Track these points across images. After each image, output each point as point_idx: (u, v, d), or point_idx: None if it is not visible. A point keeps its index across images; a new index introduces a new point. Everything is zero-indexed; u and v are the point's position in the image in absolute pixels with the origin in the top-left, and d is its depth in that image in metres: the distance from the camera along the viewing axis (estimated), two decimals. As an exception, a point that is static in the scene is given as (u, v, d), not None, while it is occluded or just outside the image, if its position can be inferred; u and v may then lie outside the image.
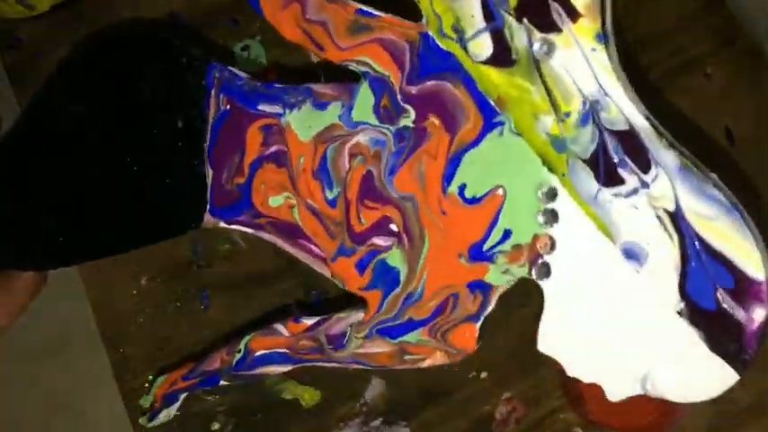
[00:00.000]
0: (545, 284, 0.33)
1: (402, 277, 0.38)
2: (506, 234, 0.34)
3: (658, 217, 0.29)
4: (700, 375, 0.30)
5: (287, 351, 0.45)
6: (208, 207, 0.45)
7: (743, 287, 0.28)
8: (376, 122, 0.37)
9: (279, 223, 0.43)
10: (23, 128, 0.45)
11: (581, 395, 0.47)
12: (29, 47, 0.59)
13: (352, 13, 0.36)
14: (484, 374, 0.51)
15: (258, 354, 0.45)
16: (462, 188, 0.35)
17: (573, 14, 0.30)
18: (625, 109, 0.30)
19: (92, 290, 0.51)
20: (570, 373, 0.33)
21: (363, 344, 0.42)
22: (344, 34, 0.37)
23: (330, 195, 0.40)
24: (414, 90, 0.35)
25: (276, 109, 0.41)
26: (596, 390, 0.46)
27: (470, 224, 0.35)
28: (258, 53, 0.59)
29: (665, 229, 0.28)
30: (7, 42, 0.59)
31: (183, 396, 0.48)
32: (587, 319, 0.31)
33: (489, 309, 0.36)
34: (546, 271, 0.32)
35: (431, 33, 0.34)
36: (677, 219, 0.28)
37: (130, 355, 0.50)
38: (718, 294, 0.28)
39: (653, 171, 0.30)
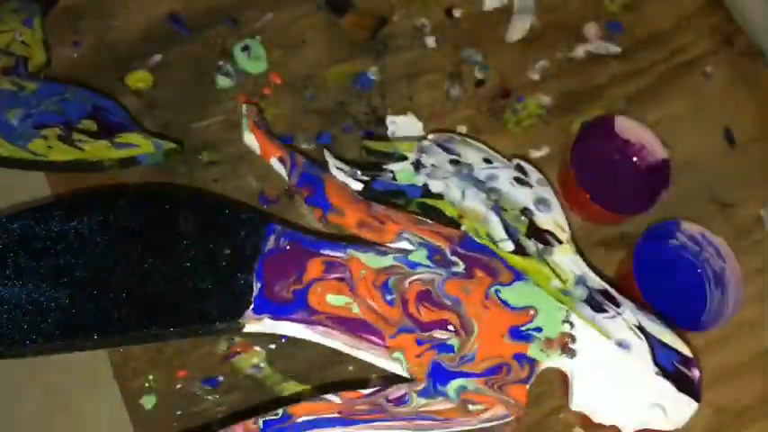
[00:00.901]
0: (573, 363, 0.48)
1: (456, 349, 0.47)
2: (538, 329, 0.48)
3: (630, 328, 0.49)
4: (676, 409, 0.47)
5: (337, 415, 0.45)
6: (251, 307, 0.47)
7: (685, 359, 0.49)
8: (431, 265, 0.50)
9: (337, 318, 0.47)
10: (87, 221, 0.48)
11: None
12: (28, 47, 0.59)
13: (411, 218, 0.52)
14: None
15: (301, 420, 0.44)
16: (504, 301, 0.49)
17: (559, 242, 0.52)
18: (595, 280, 0.51)
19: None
20: (595, 420, 0.47)
21: (427, 402, 0.45)
22: (403, 220, 0.51)
23: (389, 298, 0.48)
24: (461, 252, 0.50)
25: (340, 253, 0.49)
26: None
27: (510, 316, 0.49)
28: (258, 53, 0.59)
29: (635, 333, 0.49)
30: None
31: None
32: (604, 383, 0.48)
33: (534, 377, 0.47)
34: (573, 353, 0.48)
35: (471, 234, 0.51)
36: (642, 329, 0.49)
37: (131, 356, 0.50)
38: (674, 362, 0.48)
39: (622, 307, 0.50)
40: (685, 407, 0.47)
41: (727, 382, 0.52)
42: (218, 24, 0.60)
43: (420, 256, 0.50)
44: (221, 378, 0.50)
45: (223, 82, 0.58)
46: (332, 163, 0.53)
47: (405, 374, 0.47)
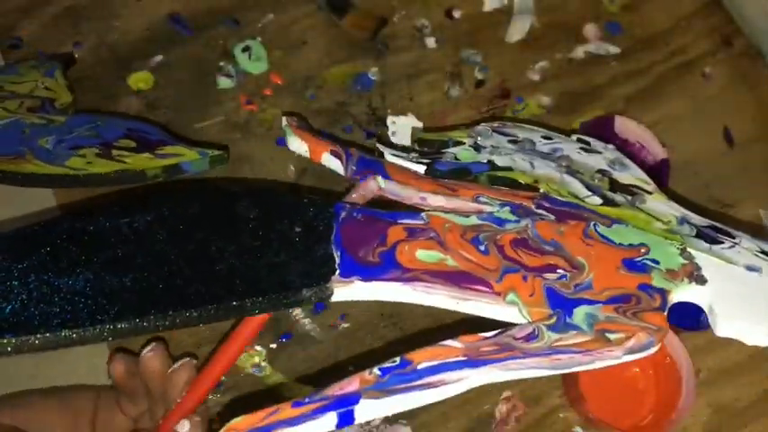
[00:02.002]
0: (706, 290, 0.42)
1: (568, 278, 0.43)
2: (655, 261, 0.43)
3: (755, 254, 0.44)
4: None
5: (463, 358, 0.39)
6: (337, 272, 0.42)
7: None
8: (514, 217, 0.45)
9: (434, 272, 0.42)
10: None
11: (581, 394, 0.47)
12: (29, 47, 0.59)
13: (484, 186, 0.48)
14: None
15: (423, 365, 0.39)
16: (606, 237, 0.44)
17: (649, 192, 0.48)
18: (700, 218, 0.46)
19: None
20: (749, 342, 0.42)
21: (560, 336, 0.40)
22: (477, 187, 0.47)
23: (482, 248, 0.43)
24: (547, 206, 0.45)
25: (419, 220, 0.45)
26: (596, 389, 0.47)
27: (619, 251, 0.44)
28: (259, 54, 0.59)
29: (763, 258, 0.44)
30: (8, 42, 0.59)
31: None
32: (745, 305, 0.42)
33: (668, 307, 0.42)
34: (703, 280, 0.43)
35: (552, 194, 0.46)
36: (766, 253, 0.44)
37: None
38: None
39: (737, 237, 0.45)
40: None
41: (726, 381, 0.52)
42: (219, 25, 0.60)
43: (505, 212, 0.45)
44: (222, 377, 0.50)
45: (224, 82, 0.58)
46: (387, 151, 0.50)
47: (523, 320, 0.41)
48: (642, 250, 0.43)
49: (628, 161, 0.50)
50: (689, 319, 0.52)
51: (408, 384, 0.38)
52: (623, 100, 0.60)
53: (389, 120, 0.57)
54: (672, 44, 0.63)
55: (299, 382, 0.50)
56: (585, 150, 0.51)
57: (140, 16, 0.60)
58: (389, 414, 0.39)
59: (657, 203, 0.47)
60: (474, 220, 0.44)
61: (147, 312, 0.39)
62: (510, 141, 0.51)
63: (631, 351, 0.39)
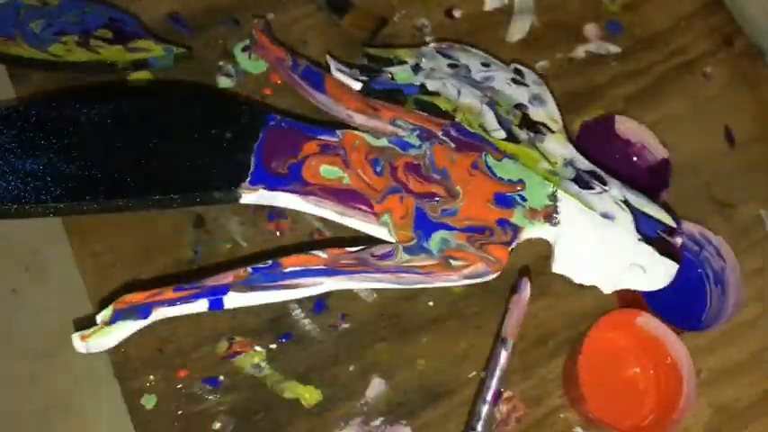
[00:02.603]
0: (556, 230, 0.49)
1: (439, 202, 0.49)
2: (523, 198, 0.49)
3: (616, 202, 0.50)
4: (656, 269, 0.48)
5: (323, 267, 0.46)
6: (248, 179, 0.49)
7: (668, 228, 0.50)
8: (419, 142, 0.51)
9: (328, 188, 0.49)
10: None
11: (581, 395, 0.47)
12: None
13: (406, 109, 0.54)
14: (484, 374, 0.51)
15: (289, 269, 0.46)
16: (491, 169, 0.50)
17: (551, 131, 0.54)
18: (584, 163, 0.52)
19: (93, 290, 0.51)
20: (577, 280, 0.48)
21: (411, 258, 0.47)
22: (397, 109, 0.53)
23: (378, 168, 0.50)
24: (453, 134, 0.52)
25: (335, 138, 0.51)
26: (596, 389, 0.46)
27: (495, 185, 0.50)
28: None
29: (620, 207, 0.50)
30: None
31: (155, 313, 0.44)
32: (586, 248, 0.49)
33: (516, 242, 0.48)
34: (556, 221, 0.49)
35: (464, 124, 0.52)
36: (627, 203, 0.50)
37: (131, 355, 0.50)
38: (657, 231, 0.49)
39: (609, 185, 0.51)
40: (666, 268, 0.48)
41: (726, 381, 0.52)
42: (219, 25, 0.60)
43: (413, 138, 0.51)
44: (222, 378, 0.50)
45: (224, 82, 0.58)
46: (333, 65, 0.55)
47: (392, 239, 0.48)
48: (518, 187, 0.50)
49: (548, 97, 0.56)
50: (689, 319, 0.52)
51: (272, 283, 0.45)
52: (623, 100, 0.60)
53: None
54: (672, 44, 0.63)
55: (299, 381, 0.50)
56: (515, 82, 0.56)
57: (140, 16, 0.59)
58: (254, 304, 0.45)
59: (555, 144, 0.53)
60: (383, 142, 0.51)
61: (82, 197, 0.47)
62: (450, 65, 0.56)
63: (467, 277, 0.47)
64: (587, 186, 0.50)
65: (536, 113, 0.55)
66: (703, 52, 0.63)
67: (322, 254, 0.46)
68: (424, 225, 0.48)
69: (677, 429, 0.49)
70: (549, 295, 0.53)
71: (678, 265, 0.48)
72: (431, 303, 0.52)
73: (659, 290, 0.50)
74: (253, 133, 0.51)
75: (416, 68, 0.56)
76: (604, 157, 0.57)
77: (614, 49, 0.62)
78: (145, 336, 0.50)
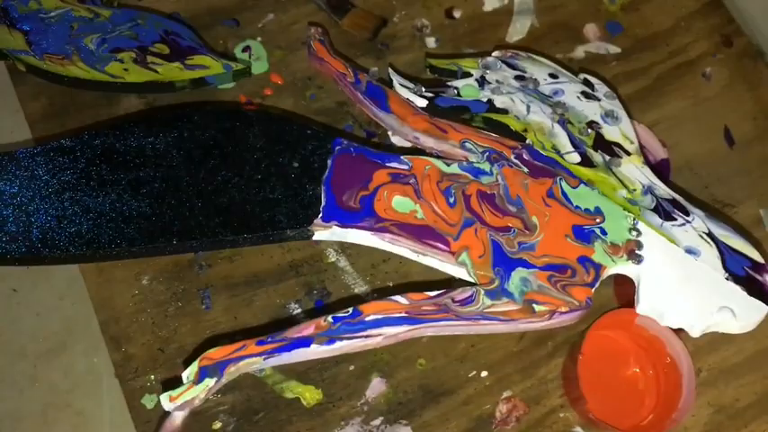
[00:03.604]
0: (639, 268, 0.47)
1: (515, 234, 0.48)
2: (603, 232, 0.48)
3: (700, 235, 0.48)
4: (746, 311, 0.46)
5: (404, 314, 0.45)
6: (320, 216, 0.48)
7: (756, 265, 0.48)
8: (490, 167, 0.50)
9: (403, 225, 0.48)
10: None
11: (581, 395, 0.47)
12: (30, 47, 0.59)
13: (475, 130, 0.52)
14: (484, 374, 0.51)
15: (370, 318, 0.45)
16: (567, 197, 0.49)
17: (627, 153, 0.51)
18: (665, 190, 0.50)
19: (94, 290, 0.52)
20: (663, 323, 0.47)
21: (493, 303, 0.46)
22: (466, 130, 0.52)
23: (451, 200, 0.48)
24: (525, 159, 0.50)
25: (405, 166, 0.50)
26: (596, 389, 0.46)
27: (573, 216, 0.48)
28: (259, 54, 0.59)
29: (705, 240, 0.48)
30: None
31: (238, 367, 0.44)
32: (672, 287, 0.47)
33: (599, 281, 0.47)
34: (639, 259, 0.47)
35: (536, 147, 0.51)
36: (711, 235, 0.48)
37: (132, 355, 0.50)
38: (745, 267, 0.47)
39: (691, 215, 0.49)
40: (755, 310, 0.46)
41: (726, 381, 0.52)
42: (220, 25, 0.60)
43: (484, 164, 0.50)
44: (222, 377, 0.50)
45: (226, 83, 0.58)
46: (396, 80, 0.54)
47: (471, 279, 0.47)
48: (597, 219, 0.48)
49: (622, 113, 0.53)
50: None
51: (354, 334, 0.44)
52: (623, 100, 0.60)
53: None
54: (672, 44, 0.63)
55: (300, 381, 0.50)
56: (586, 95, 0.54)
57: (140, 16, 0.60)
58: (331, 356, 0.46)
59: (632, 168, 0.50)
60: (455, 168, 0.50)
61: (156, 240, 0.46)
62: (517, 77, 0.54)
63: (551, 324, 0.46)
64: (669, 217, 0.48)
65: (610, 132, 0.52)
66: (703, 52, 0.63)
67: (403, 300, 0.46)
68: (503, 262, 0.47)
69: (677, 429, 0.49)
70: (549, 295, 0.53)
71: (767, 309, 0.46)
72: (431, 303, 0.52)
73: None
74: (321, 161, 0.49)
75: (482, 82, 0.54)
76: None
77: (614, 49, 0.62)
78: (145, 335, 0.50)
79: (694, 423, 0.51)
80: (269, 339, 0.44)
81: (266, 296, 0.52)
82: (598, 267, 0.47)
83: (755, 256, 0.48)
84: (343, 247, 0.53)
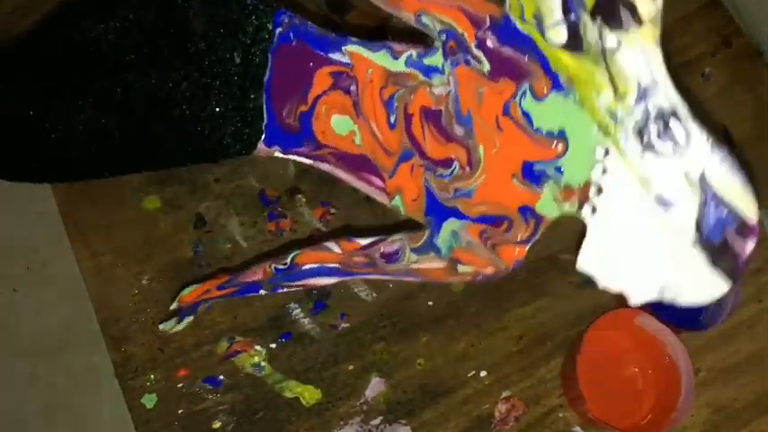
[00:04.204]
0: (591, 220, 0.38)
1: (451, 177, 0.42)
2: (558, 170, 0.38)
3: (685, 176, 0.36)
4: (702, 284, 0.37)
5: (337, 265, 0.45)
6: (263, 137, 0.46)
7: (741, 226, 0.36)
8: (442, 61, 0.40)
9: (340, 154, 0.45)
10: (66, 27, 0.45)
11: (580, 394, 0.47)
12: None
13: None
14: (484, 374, 0.51)
15: (306, 267, 0.45)
16: (528, 116, 0.39)
17: (639, 21, 0.35)
18: (672, 97, 0.37)
19: (93, 290, 0.52)
20: (601, 284, 0.39)
21: (418, 259, 0.43)
22: None
23: (392, 119, 0.43)
24: (490, 45, 0.39)
25: (347, 58, 0.43)
26: (595, 389, 0.46)
27: (527, 146, 0.39)
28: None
29: (689, 185, 0.36)
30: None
31: (202, 307, 0.49)
32: (622, 244, 0.38)
33: (536, 237, 0.40)
34: (592, 210, 0.38)
35: (512, 17, 0.38)
36: (702, 179, 0.36)
37: (132, 355, 0.50)
38: (726, 230, 0.36)
39: (690, 140, 0.37)
40: (712, 287, 0.37)
41: (725, 381, 0.52)
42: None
43: (437, 59, 0.41)
44: (222, 377, 0.50)
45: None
46: None
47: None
48: (558, 147, 0.38)
49: None
50: (688, 319, 0.52)
51: (290, 283, 0.46)
52: None
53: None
54: (671, 44, 0.63)
55: (299, 381, 0.50)
56: None
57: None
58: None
59: (636, 51, 0.36)
60: (401, 65, 0.42)
61: (125, 169, 0.48)
62: None
63: (470, 282, 0.43)
64: (654, 146, 0.36)
65: None
66: (702, 52, 0.63)
67: (336, 248, 0.45)
68: (435, 209, 0.43)
69: (676, 429, 0.49)
70: (548, 295, 0.53)
71: (729, 286, 0.37)
72: (430, 303, 0.52)
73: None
74: (262, 55, 0.44)
75: None
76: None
77: (614, 49, 0.62)
78: (145, 335, 0.50)
79: (693, 423, 0.51)
80: (227, 285, 0.47)
81: (266, 296, 0.52)
82: (539, 220, 0.39)
83: (750, 213, 0.36)
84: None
